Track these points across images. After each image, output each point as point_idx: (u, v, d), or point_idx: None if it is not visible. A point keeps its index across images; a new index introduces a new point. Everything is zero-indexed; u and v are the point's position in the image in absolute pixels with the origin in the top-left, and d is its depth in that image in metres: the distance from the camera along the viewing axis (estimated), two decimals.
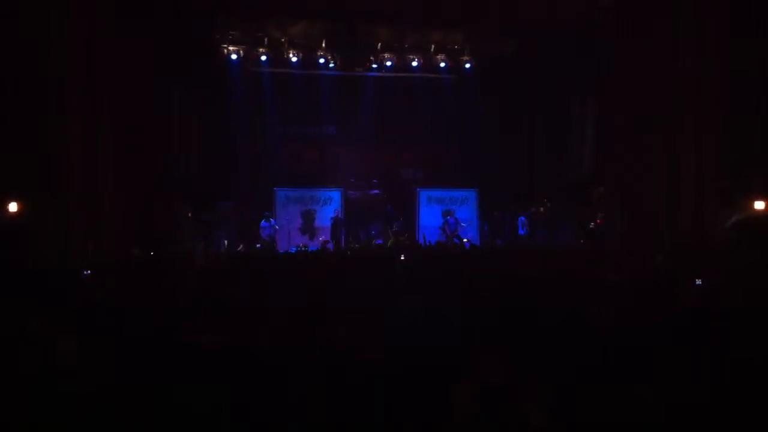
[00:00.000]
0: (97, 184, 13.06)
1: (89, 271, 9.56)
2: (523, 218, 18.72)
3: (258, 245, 17.09)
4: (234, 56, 18.42)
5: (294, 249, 16.41)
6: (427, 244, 16.43)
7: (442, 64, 19.64)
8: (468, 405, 3.79)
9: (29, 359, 4.83)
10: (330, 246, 16.41)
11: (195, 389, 4.17)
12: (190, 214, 17.22)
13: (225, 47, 18.27)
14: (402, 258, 12.44)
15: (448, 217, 18.79)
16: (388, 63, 19.28)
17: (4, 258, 10.21)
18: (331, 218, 18.39)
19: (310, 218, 18.88)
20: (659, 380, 3.94)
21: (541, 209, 19.59)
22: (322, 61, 18.98)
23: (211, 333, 5.32)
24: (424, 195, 19.64)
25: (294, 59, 18.78)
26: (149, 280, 9.02)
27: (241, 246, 16.66)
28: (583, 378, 3.99)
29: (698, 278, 7.65)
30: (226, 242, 16.96)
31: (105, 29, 13.01)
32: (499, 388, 3.80)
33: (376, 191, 20.17)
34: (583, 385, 3.89)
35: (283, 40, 18.46)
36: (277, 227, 17.85)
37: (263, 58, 18.64)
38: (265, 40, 18.38)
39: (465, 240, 18.05)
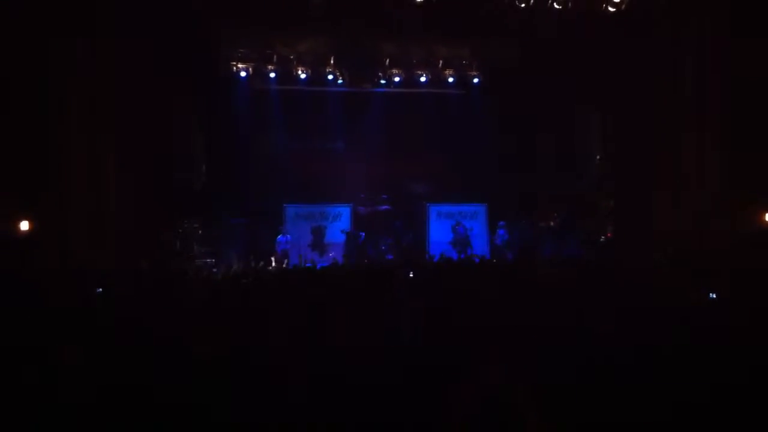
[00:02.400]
0: (103, 199, 13.17)
1: (101, 289, 9.62)
2: (501, 231, 18.66)
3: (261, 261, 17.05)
4: (243, 73, 18.60)
5: (308, 265, 16.43)
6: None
7: (450, 79, 19.72)
8: (467, 408, 3.77)
9: (39, 369, 4.86)
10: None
11: (197, 391, 4.19)
12: (200, 231, 17.28)
13: (234, 64, 18.45)
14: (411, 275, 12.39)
15: (458, 227, 18.68)
16: (396, 78, 19.39)
17: (10, 268, 10.27)
18: (345, 232, 18.39)
19: (320, 234, 18.87)
20: (659, 384, 3.91)
21: (551, 223, 19.51)
22: (330, 77, 19.12)
23: (216, 341, 5.34)
24: (434, 210, 19.60)
25: (302, 76, 18.93)
26: (158, 294, 9.05)
27: (272, 260, 16.57)
28: (581, 381, 3.97)
29: (711, 292, 7.59)
30: (235, 258, 16.96)
31: (107, 45, 13.21)
32: (498, 391, 3.78)
33: (385, 207, 20.14)
34: (581, 389, 3.86)
35: (291, 57, 18.61)
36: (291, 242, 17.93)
37: (272, 75, 18.80)
38: (274, 57, 18.54)
39: (474, 256, 17.99)
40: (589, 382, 3.86)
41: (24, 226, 11.94)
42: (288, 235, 17.96)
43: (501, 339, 4.64)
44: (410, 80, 19.55)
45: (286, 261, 17.26)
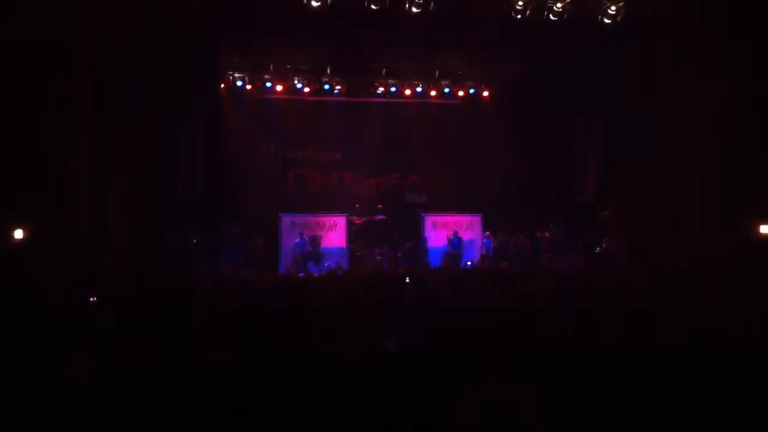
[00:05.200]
0: (102, 206, 13.15)
1: (95, 298, 9.58)
2: (487, 240, 18.69)
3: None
4: (239, 82, 18.67)
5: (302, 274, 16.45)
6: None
7: (447, 90, 19.82)
8: (469, 410, 3.78)
9: (41, 377, 4.85)
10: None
11: (197, 392, 4.20)
12: (195, 240, 17.25)
13: (231, 74, 18.51)
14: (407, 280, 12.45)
15: (453, 237, 18.68)
16: (393, 88, 19.49)
17: (11, 278, 10.22)
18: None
19: (316, 244, 18.83)
20: (659, 385, 3.93)
21: (547, 234, 19.52)
22: (327, 87, 19.20)
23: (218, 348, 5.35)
24: (429, 220, 19.59)
25: (299, 85, 19.02)
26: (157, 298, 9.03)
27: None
28: (581, 383, 3.98)
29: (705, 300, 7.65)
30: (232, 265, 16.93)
31: (108, 47, 13.24)
32: (499, 404, 3.79)
33: (381, 216, 20.14)
34: (581, 390, 3.87)
35: (288, 66, 18.68)
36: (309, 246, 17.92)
37: (268, 84, 18.87)
38: (271, 66, 18.61)
39: (469, 263, 18.02)
40: (589, 383, 3.88)
41: (18, 234, 11.87)
42: (306, 237, 17.93)
43: (501, 342, 4.67)
44: (407, 90, 19.64)
45: (303, 265, 17.20)
